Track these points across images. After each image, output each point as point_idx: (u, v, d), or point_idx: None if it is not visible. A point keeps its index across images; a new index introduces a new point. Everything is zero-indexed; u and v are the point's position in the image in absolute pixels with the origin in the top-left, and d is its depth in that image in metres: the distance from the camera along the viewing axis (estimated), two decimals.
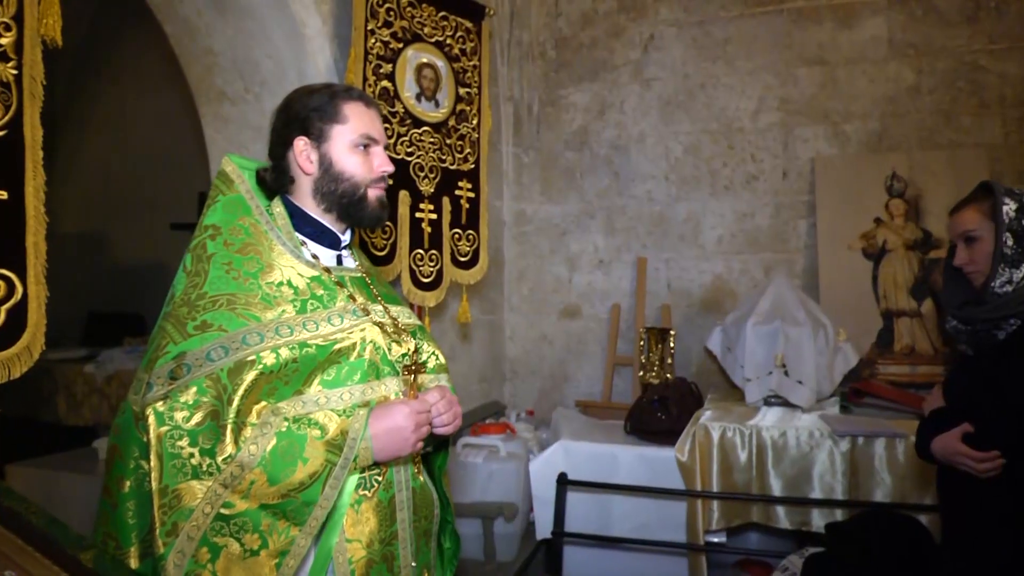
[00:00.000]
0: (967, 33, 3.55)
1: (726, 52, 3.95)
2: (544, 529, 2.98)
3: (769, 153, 3.88)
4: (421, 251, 2.74)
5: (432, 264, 2.78)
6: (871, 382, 3.21)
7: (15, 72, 1.45)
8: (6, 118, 1.44)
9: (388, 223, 2.62)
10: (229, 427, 1.20)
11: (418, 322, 1.66)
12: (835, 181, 3.70)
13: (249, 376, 1.24)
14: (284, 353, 1.29)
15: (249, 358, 1.25)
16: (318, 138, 1.45)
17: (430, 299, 2.77)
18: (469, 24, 2.98)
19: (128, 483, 1.24)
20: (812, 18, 3.79)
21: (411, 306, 2.76)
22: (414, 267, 2.71)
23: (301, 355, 1.31)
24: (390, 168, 1.50)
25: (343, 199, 1.46)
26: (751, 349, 3.14)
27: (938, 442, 1.72)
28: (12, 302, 1.43)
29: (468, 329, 3.86)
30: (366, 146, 1.47)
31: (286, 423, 1.24)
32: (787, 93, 3.85)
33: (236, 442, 1.19)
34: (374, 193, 1.49)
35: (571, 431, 3.26)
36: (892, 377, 3.43)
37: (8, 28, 1.44)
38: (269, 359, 1.27)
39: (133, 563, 1.24)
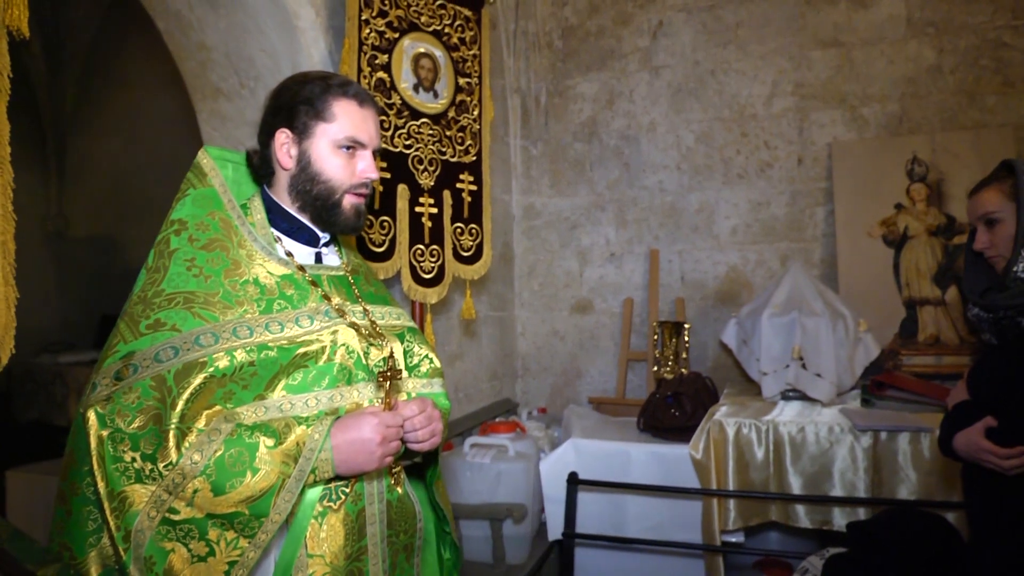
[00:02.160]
0: (990, 9, 3.40)
1: (737, 36, 3.83)
2: (556, 530, 2.90)
3: (784, 140, 3.76)
4: (421, 246, 2.66)
5: (433, 260, 2.70)
6: (894, 374, 3.09)
7: None
8: None
9: (387, 218, 2.55)
10: (171, 432, 1.12)
11: (408, 324, 1.57)
12: (853, 167, 3.57)
13: (197, 379, 1.17)
14: (240, 356, 1.21)
15: (200, 360, 1.18)
16: (301, 133, 1.37)
17: (432, 295, 2.69)
18: (468, 12, 2.90)
19: (80, 487, 1.17)
20: None
21: (412, 305, 2.69)
22: (414, 263, 2.63)
23: (259, 358, 1.23)
24: (374, 175, 1.41)
25: (316, 201, 1.38)
26: (767, 342, 3.04)
27: (960, 438, 1.62)
28: None
29: (475, 326, 3.78)
30: (350, 148, 1.38)
31: (238, 430, 1.15)
32: (801, 77, 3.72)
33: (179, 448, 1.12)
34: (350, 201, 1.39)
35: (582, 429, 3.17)
36: (916, 368, 3.30)
37: None
38: (222, 362, 1.19)
39: (93, 574, 1.16)
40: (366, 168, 1.40)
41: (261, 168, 1.43)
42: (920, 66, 3.52)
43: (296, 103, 1.38)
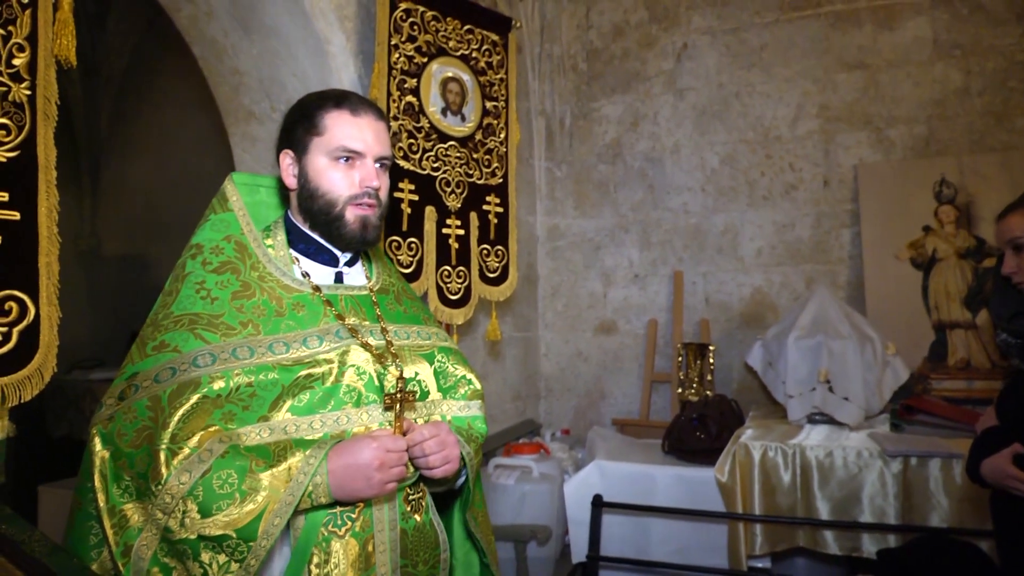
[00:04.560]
0: (1017, 31, 3.39)
1: (762, 59, 3.84)
2: (580, 553, 2.88)
3: (809, 161, 3.75)
4: (448, 268, 2.69)
5: (460, 281, 2.73)
6: (924, 398, 3.05)
7: (28, 92, 1.45)
8: (19, 138, 1.43)
9: (415, 239, 2.58)
10: (161, 452, 1.13)
11: (441, 343, 1.51)
12: (880, 188, 3.55)
13: (191, 399, 1.17)
14: (238, 377, 1.20)
15: (195, 380, 1.18)
16: (299, 150, 1.37)
17: (458, 316, 2.71)
18: (495, 37, 2.94)
19: (83, 503, 1.22)
20: (851, 21, 3.66)
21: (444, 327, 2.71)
22: (441, 284, 2.66)
23: (258, 380, 1.21)
24: (375, 184, 1.35)
25: (320, 216, 1.36)
26: (793, 364, 3.02)
27: (988, 464, 1.60)
28: (24, 323, 1.42)
29: (499, 347, 3.79)
30: (348, 159, 1.35)
31: (230, 452, 1.14)
32: (827, 99, 3.72)
33: (168, 467, 1.12)
34: (353, 212, 1.34)
35: (607, 451, 3.16)
36: (947, 392, 3.25)
37: (22, 48, 1.44)
38: (218, 383, 1.19)
39: None
40: (365, 177, 1.34)
41: (281, 192, 1.46)
42: (947, 88, 3.50)
43: (292, 123, 1.39)
